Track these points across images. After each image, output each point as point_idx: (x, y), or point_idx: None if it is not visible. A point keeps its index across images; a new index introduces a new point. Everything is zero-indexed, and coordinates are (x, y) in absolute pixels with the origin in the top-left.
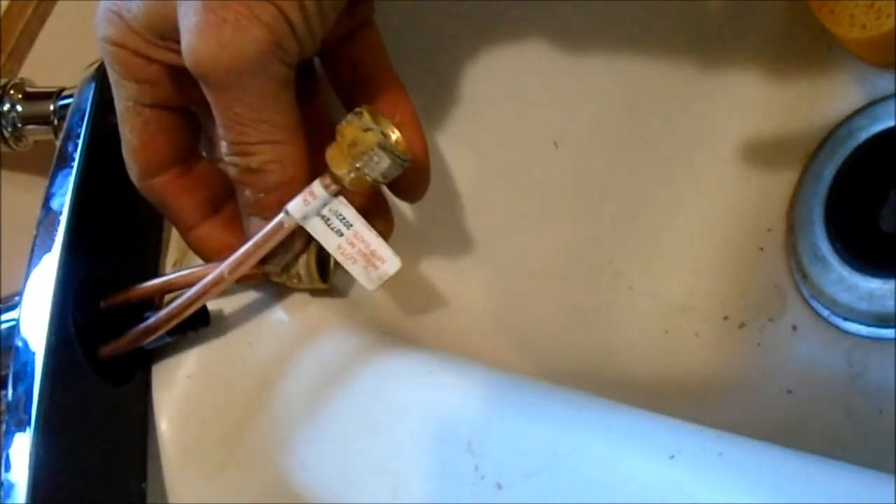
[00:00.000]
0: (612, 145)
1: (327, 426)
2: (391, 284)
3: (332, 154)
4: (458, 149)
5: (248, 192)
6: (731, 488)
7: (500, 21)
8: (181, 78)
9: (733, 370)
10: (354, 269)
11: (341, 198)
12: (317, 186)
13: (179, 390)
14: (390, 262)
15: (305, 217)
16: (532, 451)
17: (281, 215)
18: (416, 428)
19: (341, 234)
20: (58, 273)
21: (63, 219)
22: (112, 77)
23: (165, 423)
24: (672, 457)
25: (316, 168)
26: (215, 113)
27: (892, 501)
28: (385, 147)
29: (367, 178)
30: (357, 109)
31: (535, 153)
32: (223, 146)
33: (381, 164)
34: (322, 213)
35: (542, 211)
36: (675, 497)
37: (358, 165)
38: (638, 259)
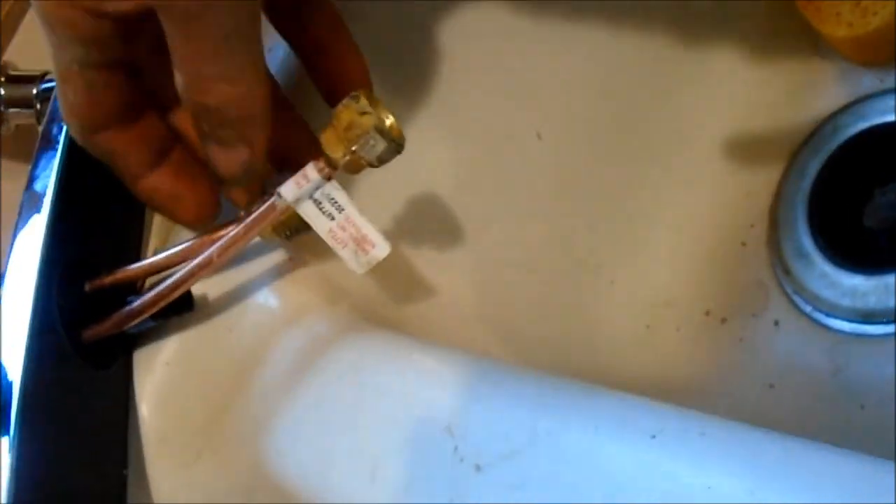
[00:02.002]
0: (596, 139)
1: (306, 411)
2: (375, 273)
3: (328, 137)
4: (444, 139)
5: (205, 126)
6: (714, 467)
7: (482, 15)
8: (129, 32)
9: (715, 365)
10: (344, 253)
11: (334, 182)
12: (310, 170)
13: (159, 377)
14: (380, 247)
15: (297, 200)
16: (511, 433)
17: (273, 198)
18: (396, 411)
19: (333, 218)
20: (41, 255)
21: (47, 201)
22: (51, 39)
23: (145, 409)
24: (653, 437)
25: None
26: (173, 48)
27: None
28: (381, 131)
29: (362, 161)
30: (354, 93)
31: (519, 145)
32: (178, 81)
33: (377, 148)
34: (314, 197)
35: (526, 204)
36: (657, 476)
37: (354, 149)
38: (620, 253)
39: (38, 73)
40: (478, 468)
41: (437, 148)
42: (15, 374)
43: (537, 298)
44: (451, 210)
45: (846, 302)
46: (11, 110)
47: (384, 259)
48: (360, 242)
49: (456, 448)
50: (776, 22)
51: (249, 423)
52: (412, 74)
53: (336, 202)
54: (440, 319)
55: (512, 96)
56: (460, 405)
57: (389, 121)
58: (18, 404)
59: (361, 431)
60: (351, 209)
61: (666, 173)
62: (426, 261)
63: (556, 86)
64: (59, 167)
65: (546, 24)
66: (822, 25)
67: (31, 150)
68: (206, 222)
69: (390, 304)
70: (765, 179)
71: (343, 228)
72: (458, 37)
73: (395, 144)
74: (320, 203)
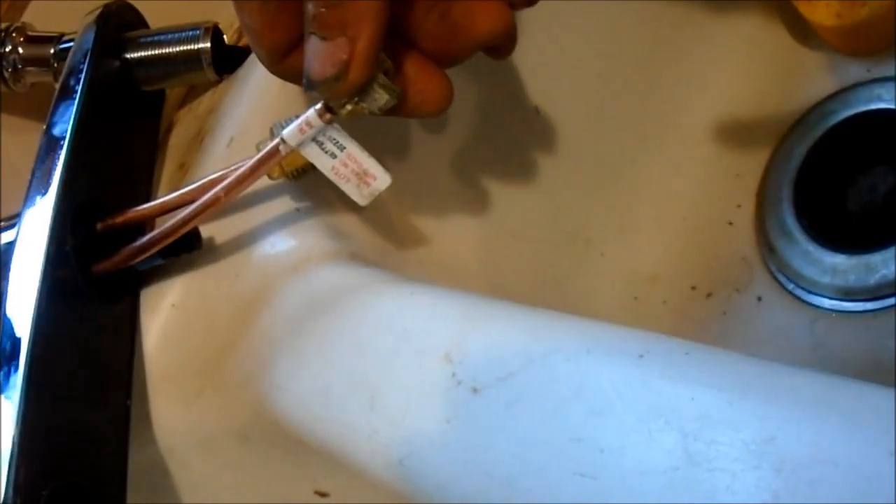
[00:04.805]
0: (592, 119)
1: (308, 350)
2: (378, 226)
3: None
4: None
5: (310, 6)
6: (697, 381)
7: None
8: None
9: (698, 337)
10: (348, 188)
11: (335, 124)
12: (313, 118)
13: (164, 317)
14: (381, 179)
15: (301, 143)
16: (507, 357)
17: (277, 141)
18: (396, 343)
19: (335, 157)
20: (58, 193)
21: (64, 144)
22: None
23: (149, 347)
24: (641, 356)
25: None
26: None
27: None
28: (384, 85)
29: (364, 110)
30: None
31: (518, 118)
32: None
33: (380, 101)
34: (317, 139)
35: (523, 175)
36: (644, 391)
37: (356, 100)
38: (611, 228)
39: (56, 35)
40: (475, 391)
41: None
42: (29, 306)
43: (529, 265)
44: (452, 174)
45: (827, 279)
46: (29, 68)
47: (388, 199)
48: (362, 176)
49: (454, 373)
50: (768, 11)
51: (251, 364)
52: None
53: (337, 142)
54: (437, 274)
55: (513, 73)
56: (458, 334)
57: (391, 72)
58: (31, 334)
59: (361, 364)
60: (352, 147)
61: (658, 153)
62: (426, 219)
63: (555, 66)
64: (76, 115)
65: (546, 7)
66: (812, 16)
67: (35, 107)
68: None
69: (390, 256)
70: (753, 162)
71: (345, 165)
72: None
73: (396, 93)
74: (322, 144)
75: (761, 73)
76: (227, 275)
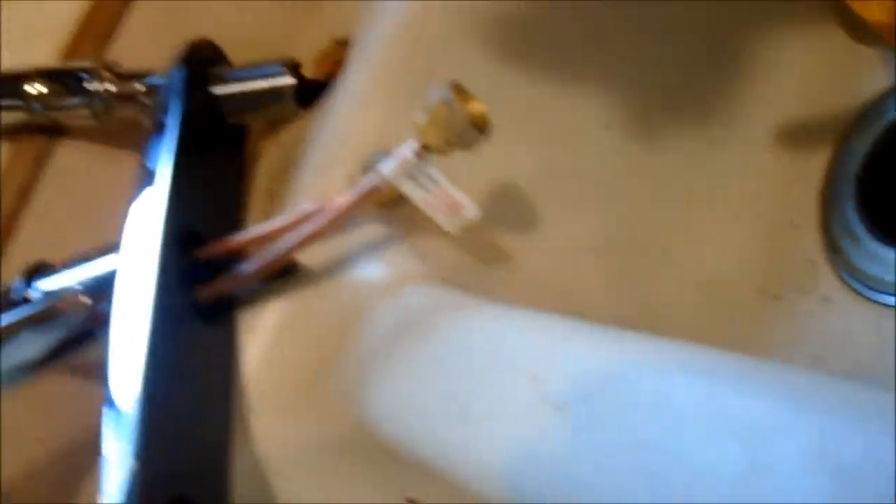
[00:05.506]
0: (657, 129)
1: (401, 369)
2: (464, 251)
3: (426, 128)
4: (523, 134)
5: None
6: (760, 396)
7: (551, 15)
8: None
9: (767, 339)
10: (439, 218)
11: (428, 160)
12: (410, 156)
13: (262, 338)
14: (470, 210)
15: (397, 178)
16: (587, 377)
17: (376, 178)
18: (485, 363)
19: (428, 190)
20: (164, 224)
21: (163, 177)
22: None
23: (249, 367)
24: (709, 372)
25: None
26: None
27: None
28: (476, 125)
29: (455, 148)
30: (447, 88)
31: (589, 136)
32: None
33: (472, 139)
34: (411, 174)
35: (595, 190)
36: (712, 405)
37: (450, 140)
38: (679, 236)
39: (142, 72)
40: (557, 408)
41: (517, 141)
42: (142, 330)
43: (605, 278)
44: (530, 198)
45: (892, 278)
46: (118, 104)
47: (474, 226)
48: (453, 208)
49: (539, 392)
50: (822, 10)
51: (348, 381)
52: (491, 73)
53: (430, 176)
54: (521, 293)
55: (581, 86)
56: (543, 354)
57: (481, 113)
58: (146, 357)
59: (452, 383)
60: (444, 181)
61: (722, 160)
62: (508, 243)
63: (620, 79)
64: (173, 149)
65: (610, 23)
66: (867, 14)
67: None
68: None
69: (476, 276)
70: (815, 161)
71: (437, 197)
72: (530, 42)
73: (485, 134)
74: (416, 178)
75: (819, 73)
76: (323, 297)
